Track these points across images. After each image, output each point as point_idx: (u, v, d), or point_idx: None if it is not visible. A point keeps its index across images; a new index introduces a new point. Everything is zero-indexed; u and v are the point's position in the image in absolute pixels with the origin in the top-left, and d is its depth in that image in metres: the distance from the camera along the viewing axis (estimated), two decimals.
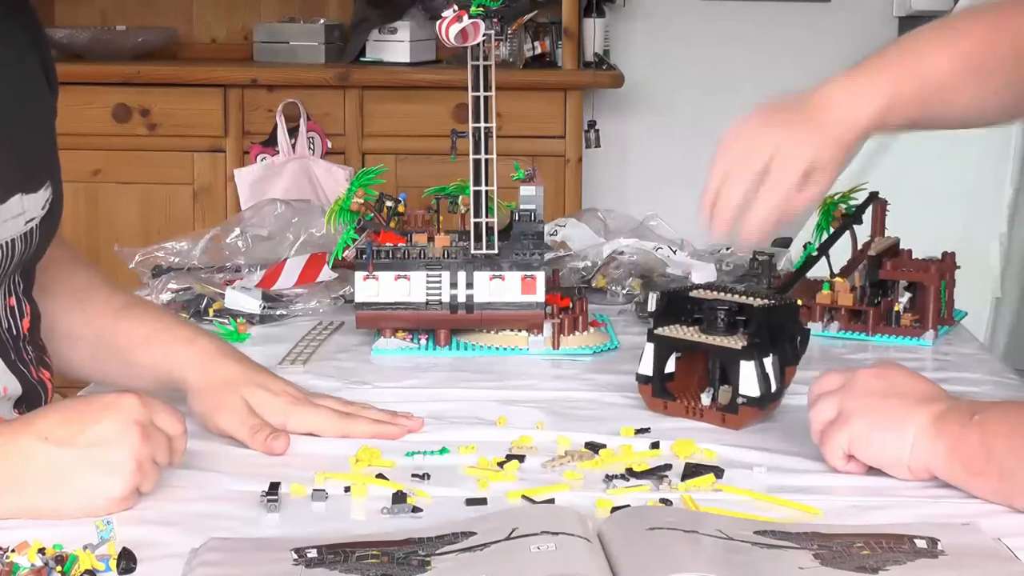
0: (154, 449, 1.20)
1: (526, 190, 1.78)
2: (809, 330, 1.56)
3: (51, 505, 1.16)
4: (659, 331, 1.53)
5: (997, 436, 1.24)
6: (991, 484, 1.25)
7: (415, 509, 1.22)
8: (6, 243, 1.35)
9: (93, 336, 1.51)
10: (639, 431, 1.44)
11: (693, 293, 1.56)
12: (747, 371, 1.45)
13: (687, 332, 1.51)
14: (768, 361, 1.46)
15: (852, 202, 1.86)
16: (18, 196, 1.37)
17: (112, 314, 1.51)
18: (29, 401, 1.39)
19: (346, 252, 1.80)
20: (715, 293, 1.55)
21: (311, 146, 3.78)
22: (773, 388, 1.47)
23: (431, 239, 1.78)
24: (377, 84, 3.81)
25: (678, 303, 1.55)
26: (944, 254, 1.86)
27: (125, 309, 1.52)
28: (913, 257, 1.86)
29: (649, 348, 1.53)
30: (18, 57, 1.42)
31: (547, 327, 1.77)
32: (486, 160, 1.74)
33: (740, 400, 1.46)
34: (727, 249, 2.19)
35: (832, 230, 1.86)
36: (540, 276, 1.75)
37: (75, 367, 1.53)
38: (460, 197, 1.80)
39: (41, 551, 1.05)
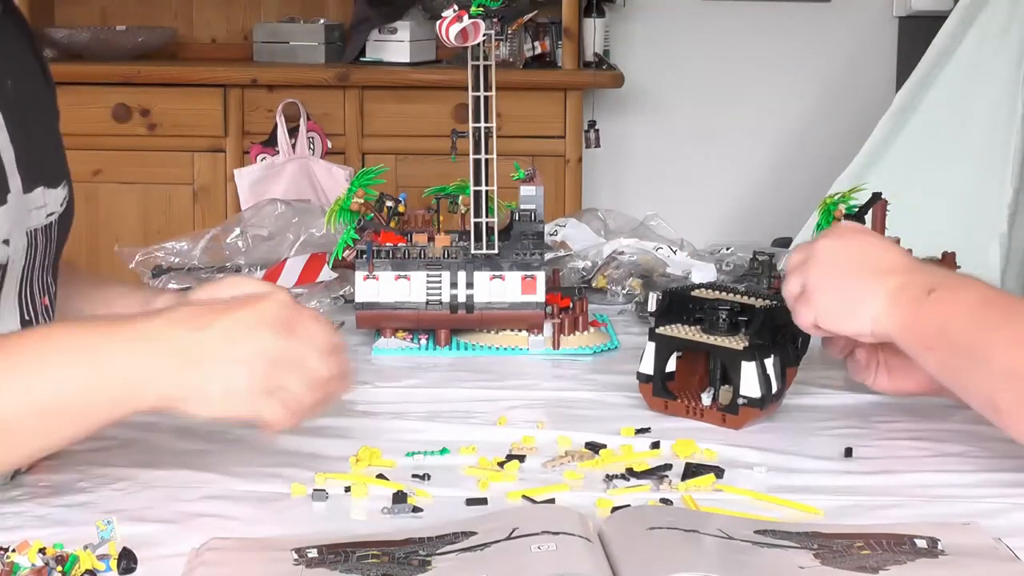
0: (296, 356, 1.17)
1: (526, 190, 1.78)
2: None
3: (184, 388, 1.15)
4: (660, 330, 1.53)
5: (951, 314, 1.31)
6: (941, 359, 1.32)
7: (415, 509, 1.22)
8: (30, 232, 1.36)
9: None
10: (639, 431, 1.44)
11: (695, 292, 1.56)
12: (748, 371, 1.45)
13: (688, 331, 1.51)
14: (769, 362, 1.46)
15: (852, 202, 1.86)
16: (41, 189, 1.38)
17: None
18: None
19: (346, 252, 1.80)
20: (717, 293, 1.55)
21: (311, 146, 3.78)
22: (774, 389, 1.46)
23: (431, 239, 1.78)
24: (377, 84, 3.81)
25: (680, 302, 1.55)
26: (944, 254, 1.85)
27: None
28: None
29: (650, 347, 1.52)
30: (22, 58, 1.43)
31: (547, 327, 1.77)
32: (486, 160, 1.74)
33: (741, 400, 1.46)
34: (727, 249, 2.18)
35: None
36: (540, 276, 1.75)
37: None
38: (460, 197, 1.80)
39: (42, 551, 1.05)
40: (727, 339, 1.48)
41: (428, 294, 1.75)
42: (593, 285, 2.07)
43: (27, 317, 1.36)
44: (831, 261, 1.39)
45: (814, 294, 1.38)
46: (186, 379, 1.16)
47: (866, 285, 1.36)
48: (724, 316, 1.49)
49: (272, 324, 1.18)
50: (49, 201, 1.40)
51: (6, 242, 1.31)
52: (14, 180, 1.33)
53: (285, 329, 1.18)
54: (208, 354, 1.16)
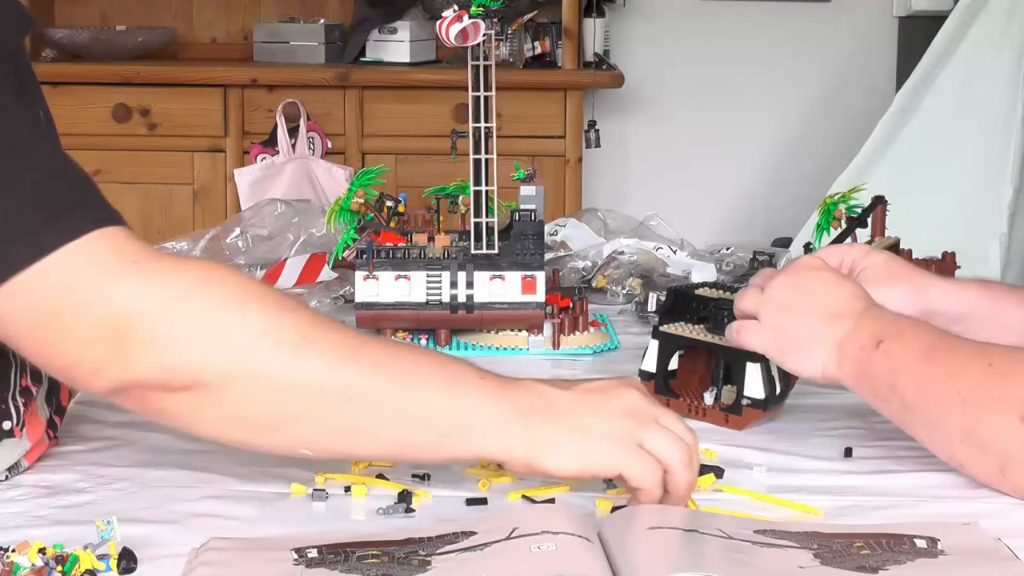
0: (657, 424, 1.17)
1: (526, 190, 1.78)
2: None
3: (535, 440, 1.14)
4: (664, 328, 1.52)
5: (901, 370, 1.30)
6: (895, 412, 1.31)
7: (408, 509, 1.22)
8: None
9: None
10: None
11: (699, 291, 1.56)
12: (753, 373, 1.45)
13: (692, 330, 1.51)
14: (774, 363, 1.46)
15: (852, 202, 1.86)
16: None
17: None
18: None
19: (346, 252, 1.80)
20: (721, 292, 1.55)
21: (311, 146, 3.78)
22: (778, 390, 1.46)
23: (431, 239, 1.78)
24: (377, 84, 3.81)
25: (683, 301, 1.55)
26: (944, 254, 1.85)
27: None
28: (913, 257, 1.86)
29: (653, 345, 1.52)
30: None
31: (547, 327, 1.77)
32: (486, 160, 1.74)
33: (745, 401, 1.46)
34: (727, 249, 2.18)
35: (832, 230, 1.86)
36: (540, 276, 1.75)
37: None
38: (460, 197, 1.80)
39: (42, 551, 1.05)
40: None
41: (428, 294, 1.75)
42: (593, 285, 2.07)
43: None
44: (783, 300, 1.37)
45: (766, 330, 1.38)
46: (539, 431, 1.15)
47: (816, 330, 1.35)
48: (728, 316, 1.49)
49: (635, 388, 1.20)
50: None
51: None
52: None
53: (647, 399, 1.19)
54: (566, 408, 1.16)
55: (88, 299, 1.10)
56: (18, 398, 1.28)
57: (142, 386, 1.12)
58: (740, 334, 1.40)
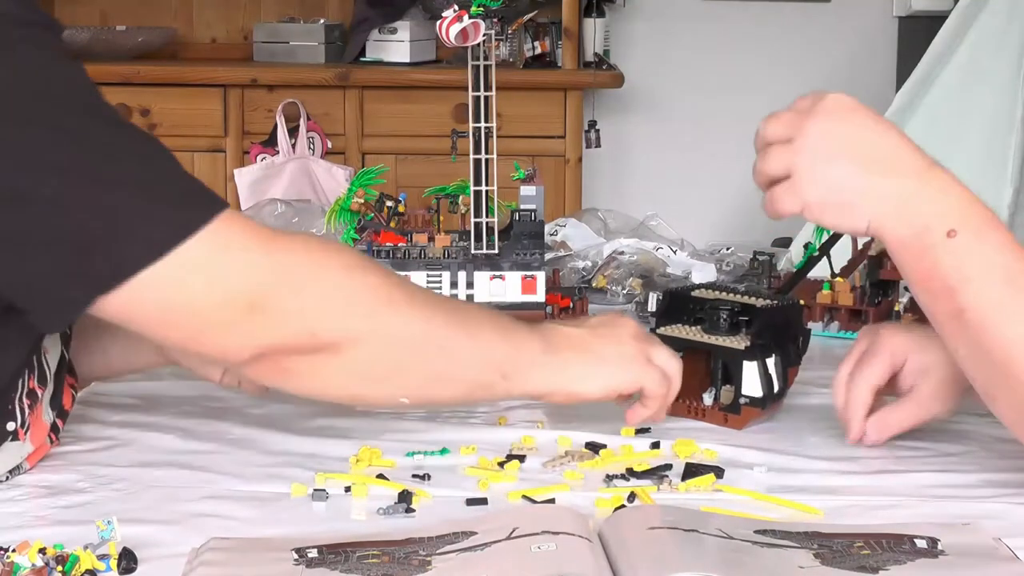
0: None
1: (526, 190, 1.78)
2: (810, 331, 1.55)
3: (560, 371, 1.30)
4: (661, 330, 1.53)
5: (969, 280, 1.16)
6: (940, 315, 1.19)
7: (408, 509, 1.22)
8: None
9: None
10: (639, 431, 1.44)
11: (695, 293, 1.56)
12: (750, 371, 1.45)
13: (690, 332, 1.51)
14: (771, 362, 1.46)
15: None
16: None
17: None
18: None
19: None
20: (717, 293, 1.55)
21: (311, 146, 3.78)
22: (775, 389, 1.46)
23: (431, 239, 1.78)
24: (377, 84, 3.81)
25: (680, 302, 1.55)
26: None
27: None
28: None
29: None
30: None
31: None
32: (486, 160, 1.74)
33: (743, 400, 1.46)
34: (727, 249, 2.18)
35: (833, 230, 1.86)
36: (540, 276, 1.75)
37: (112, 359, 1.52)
38: (460, 197, 1.80)
39: (42, 551, 1.05)
40: (728, 339, 1.48)
41: None
42: (593, 285, 2.07)
43: None
44: (826, 147, 1.19)
45: (803, 184, 1.20)
46: (570, 364, 1.31)
47: (869, 182, 1.18)
48: (725, 316, 1.49)
49: (631, 318, 1.39)
50: None
51: None
52: None
53: (642, 327, 1.39)
54: (586, 342, 1.33)
55: (225, 280, 1.16)
56: (24, 400, 1.28)
57: (282, 351, 1.19)
58: (774, 202, 1.23)
